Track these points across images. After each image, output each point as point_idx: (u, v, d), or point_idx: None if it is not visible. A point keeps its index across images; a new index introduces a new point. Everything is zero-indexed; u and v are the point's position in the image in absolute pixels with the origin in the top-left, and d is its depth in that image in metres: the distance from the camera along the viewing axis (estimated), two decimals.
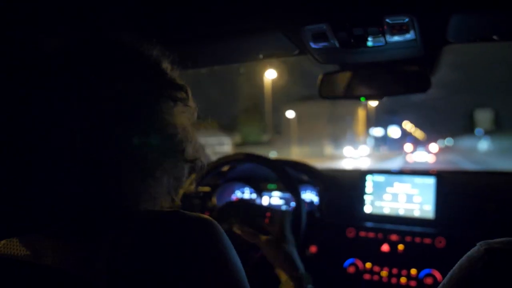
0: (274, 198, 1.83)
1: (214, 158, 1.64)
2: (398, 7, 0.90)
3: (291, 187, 1.42)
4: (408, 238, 1.48)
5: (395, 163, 26.70)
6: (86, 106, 0.56)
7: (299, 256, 1.16)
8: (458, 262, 0.63)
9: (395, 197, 1.58)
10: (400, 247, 1.49)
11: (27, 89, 0.52)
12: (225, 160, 1.59)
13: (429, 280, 1.39)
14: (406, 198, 1.56)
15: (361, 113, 55.28)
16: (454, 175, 1.73)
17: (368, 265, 1.52)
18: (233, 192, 1.87)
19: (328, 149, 43.73)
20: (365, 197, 1.63)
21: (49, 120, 0.53)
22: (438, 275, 1.38)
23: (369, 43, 1.06)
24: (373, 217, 1.60)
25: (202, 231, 0.59)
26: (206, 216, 0.62)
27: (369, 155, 40.04)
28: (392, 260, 1.49)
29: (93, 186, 0.57)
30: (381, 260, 1.51)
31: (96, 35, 0.65)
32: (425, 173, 1.55)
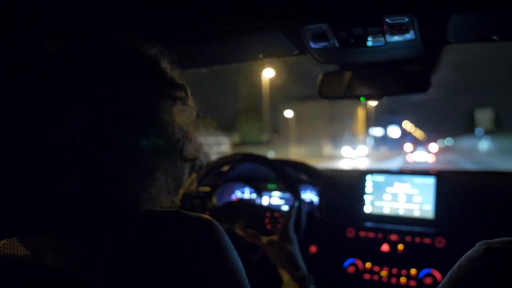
0: (274, 198, 1.83)
1: (212, 158, 1.64)
2: (398, 7, 0.90)
3: (291, 187, 1.42)
4: (408, 238, 1.48)
5: (394, 163, 26.61)
6: (86, 106, 0.56)
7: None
8: (458, 262, 0.62)
9: (395, 197, 1.58)
10: (400, 247, 1.49)
11: (27, 89, 0.52)
12: (225, 160, 1.59)
13: (428, 280, 1.39)
14: (406, 198, 1.56)
15: (360, 113, 55.22)
16: (454, 175, 1.73)
17: (368, 265, 1.52)
18: (233, 192, 1.87)
19: (327, 149, 43.63)
20: (365, 197, 1.63)
21: (49, 120, 0.53)
22: (437, 275, 1.38)
23: (369, 43, 1.06)
24: (373, 217, 1.60)
25: (202, 231, 0.59)
26: (206, 216, 0.62)
27: (367, 155, 39.74)
28: (392, 260, 1.49)
29: (93, 186, 0.57)
30: (381, 260, 1.51)
31: (96, 35, 0.65)
32: (425, 173, 1.55)
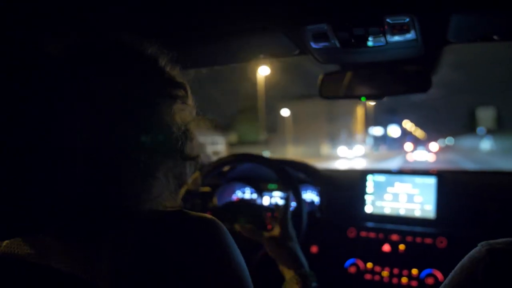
0: (274, 198, 1.83)
1: (209, 157, 1.64)
2: (399, 7, 0.90)
3: (292, 187, 1.42)
4: (409, 238, 1.48)
5: (393, 164, 26.48)
6: (85, 106, 0.56)
7: None
8: (460, 263, 0.62)
9: (396, 197, 1.58)
10: (401, 247, 1.49)
11: (27, 89, 0.52)
12: (225, 160, 1.59)
13: (430, 280, 1.38)
14: (407, 198, 1.56)
15: (359, 112, 55.12)
16: (455, 174, 1.73)
17: (369, 265, 1.52)
18: (233, 192, 1.87)
19: (325, 149, 43.37)
20: (366, 197, 1.62)
21: (49, 120, 0.53)
22: (439, 275, 1.38)
23: (370, 43, 1.06)
24: (374, 217, 1.60)
25: (205, 231, 0.59)
26: (209, 215, 0.62)
27: (364, 155, 39.32)
28: (393, 260, 1.49)
29: (93, 186, 0.57)
30: (382, 260, 1.50)
31: (96, 35, 0.64)
32: (426, 173, 1.55)
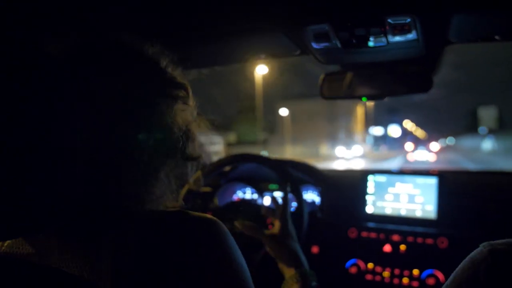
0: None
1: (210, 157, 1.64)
2: (400, 7, 0.90)
3: (293, 188, 1.42)
4: (410, 239, 1.48)
5: (393, 164, 26.37)
6: (86, 106, 0.56)
7: None
8: (461, 264, 0.62)
9: (397, 197, 1.57)
10: (402, 247, 1.48)
11: (27, 89, 0.52)
12: (226, 160, 1.59)
13: (431, 281, 1.38)
14: (408, 198, 1.55)
15: (359, 112, 54.97)
16: (456, 175, 1.72)
17: (370, 265, 1.51)
18: (234, 192, 1.86)
19: (324, 149, 43.14)
20: (367, 197, 1.62)
21: (49, 120, 0.53)
22: (440, 275, 1.38)
23: (371, 43, 1.06)
24: (375, 218, 1.59)
25: (206, 231, 0.59)
26: (210, 216, 0.62)
27: (363, 156, 38.97)
28: (394, 260, 1.49)
29: (93, 186, 0.57)
30: (383, 260, 1.50)
31: (96, 35, 0.64)
32: (427, 173, 1.55)
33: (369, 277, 1.50)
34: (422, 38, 1.03)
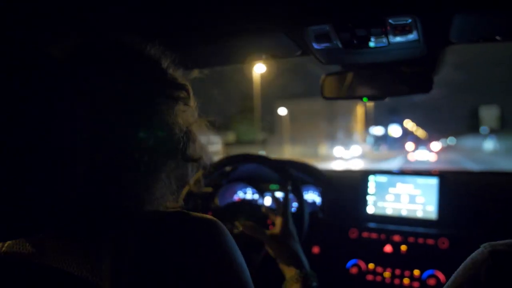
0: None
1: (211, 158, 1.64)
2: (401, 7, 0.90)
3: (294, 188, 1.41)
4: (411, 239, 1.48)
5: (394, 164, 26.26)
6: (86, 107, 0.56)
7: None
8: (462, 265, 0.62)
9: (397, 197, 1.57)
10: (403, 248, 1.48)
11: (28, 89, 0.52)
12: (227, 160, 1.59)
13: (432, 281, 1.38)
14: (409, 199, 1.55)
15: (359, 111, 54.85)
16: (457, 175, 1.72)
17: (371, 266, 1.51)
18: (235, 192, 1.86)
19: (323, 149, 42.88)
20: (368, 197, 1.62)
21: (49, 121, 0.53)
22: (441, 276, 1.38)
23: (372, 44, 1.06)
24: (376, 218, 1.59)
25: (206, 232, 0.59)
26: (210, 216, 0.62)
27: (362, 156, 38.44)
28: (395, 261, 1.48)
29: (94, 186, 0.57)
30: (384, 261, 1.50)
31: (96, 35, 0.64)
32: (428, 174, 1.55)
33: (370, 277, 1.50)
34: (423, 39, 1.03)
